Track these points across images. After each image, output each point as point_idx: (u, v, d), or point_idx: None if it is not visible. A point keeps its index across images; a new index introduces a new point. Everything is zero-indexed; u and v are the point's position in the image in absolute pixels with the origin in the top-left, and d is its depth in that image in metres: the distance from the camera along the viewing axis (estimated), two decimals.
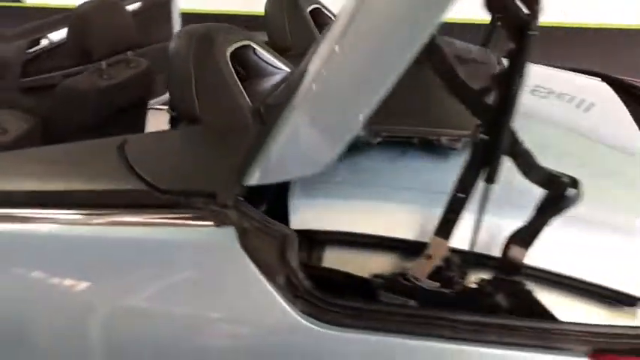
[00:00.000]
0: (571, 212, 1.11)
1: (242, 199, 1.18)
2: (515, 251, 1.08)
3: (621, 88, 2.15)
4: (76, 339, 1.19)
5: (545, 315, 1.10)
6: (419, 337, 1.07)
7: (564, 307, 1.14)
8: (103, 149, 1.38)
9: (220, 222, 1.16)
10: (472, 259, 1.13)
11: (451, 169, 1.14)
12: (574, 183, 1.04)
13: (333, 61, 1.01)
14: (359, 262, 1.23)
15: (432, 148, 1.38)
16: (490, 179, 1.06)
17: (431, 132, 1.37)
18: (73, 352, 1.20)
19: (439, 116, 1.42)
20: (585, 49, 5.21)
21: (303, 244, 1.25)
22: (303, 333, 1.10)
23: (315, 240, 1.26)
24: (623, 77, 2.29)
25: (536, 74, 2.10)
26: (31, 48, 3.01)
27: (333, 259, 1.25)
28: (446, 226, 1.12)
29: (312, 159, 1.06)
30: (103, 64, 2.25)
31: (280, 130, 1.06)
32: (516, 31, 0.97)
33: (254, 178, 1.11)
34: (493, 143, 1.04)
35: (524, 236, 1.08)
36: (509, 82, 1.00)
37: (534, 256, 1.12)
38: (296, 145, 1.07)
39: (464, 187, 1.09)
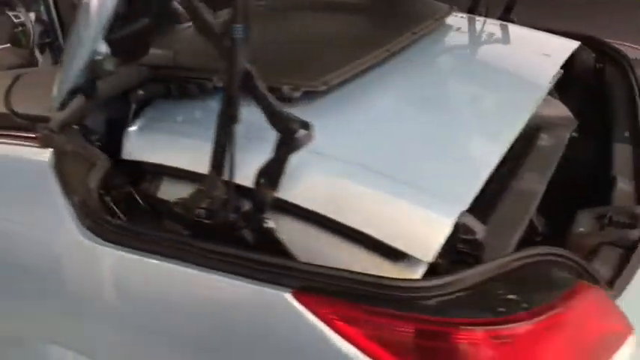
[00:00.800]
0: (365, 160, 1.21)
1: (76, 126, 1.35)
2: (264, 187, 1.15)
3: (603, 52, 2.02)
4: None
5: (283, 252, 1.15)
6: (173, 260, 1.18)
7: (330, 251, 1.19)
8: (9, 78, 1.60)
9: (45, 144, 1.34)
10: (237, 194, 1.20)
11: None
12: (305, 126, 1.09)
13: None
14: (177, 193, 1.35)
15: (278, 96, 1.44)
16: (230, 119, 1.12)
17: (275, 81, 1.43)
18: None
19: (286, 67, 1.48)
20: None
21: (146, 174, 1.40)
22: (85, 247, 1.25)
23: (145, 170, 1.39)
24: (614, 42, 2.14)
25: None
26: None
27: (162, 188, 1.39)
28: (216, 163, 1.20)
29: (66, 77, 1.20)
30: None
31: None
32: None
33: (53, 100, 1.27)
34: (229, 84, 1.10)
35: (269, 173, 1.13)
36: (231, 28, 1.05)
37: (306, 197, 1.19)
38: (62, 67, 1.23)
39: (220, 127, 1.16)
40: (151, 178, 1.39)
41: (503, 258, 1.08)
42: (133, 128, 1.41)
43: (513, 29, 2.05)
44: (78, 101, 1.31)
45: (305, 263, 1.10)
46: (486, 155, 1.32)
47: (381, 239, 1.14)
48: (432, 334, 1.02)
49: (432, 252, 1.10)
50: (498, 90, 1.65)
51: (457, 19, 2.02)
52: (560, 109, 2.07)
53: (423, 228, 1.14)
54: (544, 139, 1.95)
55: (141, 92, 1.46)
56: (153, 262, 1.19)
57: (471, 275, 1.04)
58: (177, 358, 1.23)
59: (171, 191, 1.36)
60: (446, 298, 1.02)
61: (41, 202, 1.32)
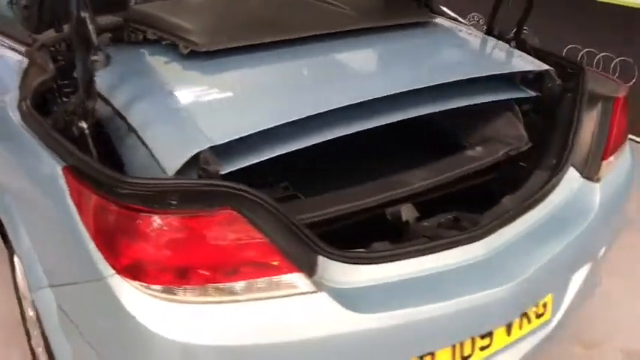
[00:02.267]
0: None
1: (52, 48, 1.94)
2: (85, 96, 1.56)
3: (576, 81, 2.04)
4: None
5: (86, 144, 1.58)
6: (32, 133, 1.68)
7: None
8: None
9: (27, 55, 1.95)
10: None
11: (173, 69, 1.74)
12: (108, 58, 1.51)
13: None
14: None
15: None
16: (74, 52, 1.56)
17: (175, 38, 1.86)
18: None
19: (196, 32, 1.88)
20: None
21: None
22: (13, 122, 1.80)
23: None
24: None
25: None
26: None
27: None
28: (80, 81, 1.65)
29: None
30: None
31: None
32: None
33: None
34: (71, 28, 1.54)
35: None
36: None
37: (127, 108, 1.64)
38: None
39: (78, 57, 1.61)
40: None
41: (184, 180, 1.41)
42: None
43: (478, 40, 2.16)
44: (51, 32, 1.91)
45: (76, 150, 1.50)
46: (272, 117, 1.55)
47: (153, 152, 1.52)
48: (118, 213, 1.38)
49: (174, 168, 1.44)
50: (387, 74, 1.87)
51: (437, 24, 2.20)
52: (513, 129, 2.13)
53: (175, 149, 1.49)
54: (475, 151, 2.06)
55: (109, 35, 2.00)
56: (29, 137, 1.71)
57: (156, 184, 1.37)
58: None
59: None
60: (140, 193, 1.37)
61: (9, 90, 1.91)
